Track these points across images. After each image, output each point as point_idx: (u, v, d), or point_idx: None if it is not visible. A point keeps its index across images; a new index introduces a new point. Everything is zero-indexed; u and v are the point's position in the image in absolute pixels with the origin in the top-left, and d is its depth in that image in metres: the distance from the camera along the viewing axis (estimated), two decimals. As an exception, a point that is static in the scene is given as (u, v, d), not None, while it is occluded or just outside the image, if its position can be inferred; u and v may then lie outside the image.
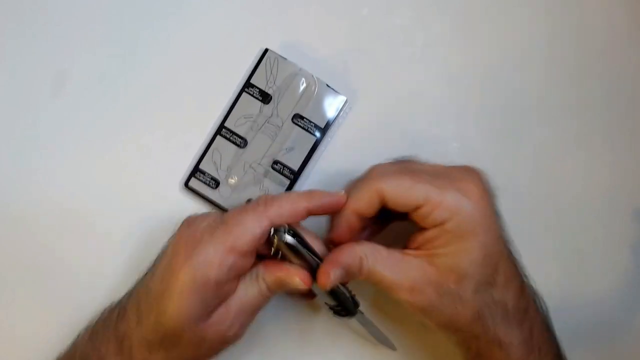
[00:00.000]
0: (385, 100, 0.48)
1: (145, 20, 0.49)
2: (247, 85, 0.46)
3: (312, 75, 0.46)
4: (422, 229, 0.37)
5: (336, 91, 0.46)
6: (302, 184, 0.47)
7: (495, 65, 0.49)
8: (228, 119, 0.46)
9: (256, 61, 0.46)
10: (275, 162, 0.46)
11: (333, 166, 0.47)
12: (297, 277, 0.37)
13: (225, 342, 0.38)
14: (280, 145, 0.46)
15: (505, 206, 0.46)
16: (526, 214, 0.48)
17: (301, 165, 0.46)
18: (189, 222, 0.38)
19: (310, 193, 0.38)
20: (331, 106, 0.46)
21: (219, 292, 0.36)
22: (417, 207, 0.36)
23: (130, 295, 0.39)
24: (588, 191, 0.49)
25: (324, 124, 0.46)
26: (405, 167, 0.38)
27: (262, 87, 0.46)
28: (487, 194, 0.37)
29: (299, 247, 0.37)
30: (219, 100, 0.47)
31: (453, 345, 0.40)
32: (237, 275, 0.37)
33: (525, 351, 0.37)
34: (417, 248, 0.37)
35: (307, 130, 0.46)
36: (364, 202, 0.37)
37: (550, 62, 0.50)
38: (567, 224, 0.48)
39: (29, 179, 0.47)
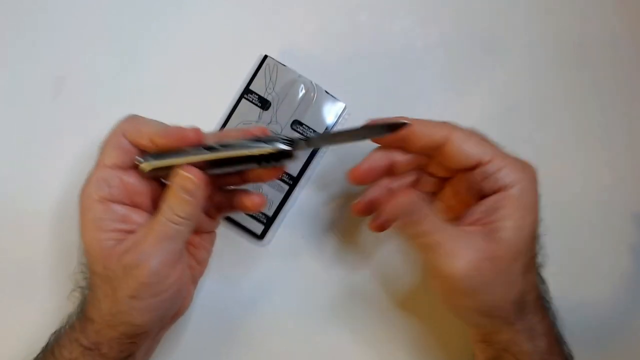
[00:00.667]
0: (384, 106, 0.48)
1: (145, 25, 0.49)
2: (246, 92, 0.46)
3: (311, 82, 0.46)
4: (479, 198, 0.37)
5: (335, 97, 0.46)
6: (301, 191, 0.47)
7: (495, 68, 0.49)
8: (227, 125, 0.46)
9: (255, 67, 0.47)
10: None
11: (332, 172, 0.47)
12: (180, 170, 0.35)
13: (129, 273, 0.34)
14: (279, 152, 0.46)
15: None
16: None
17: (300, 172, 0.46)
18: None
19: (166, 125, 0.37)
20: (330, 112, 0.46)
21: (110, 214, 0.36)
22: (481, 163, 0.36)
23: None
24: (587, 193, 0.49)
25: (323, 130, 0.46)
26: (476, 132, 0.38)
27: (261, 94, 0.46)
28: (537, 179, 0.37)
29: (159, 160, 0.36)
30: (218, 106, 0.47)
31: (476, 342, 0.40)
32: (126, 198, 0.37)
33: (549, 342, 0.37)
34: (474, 223, 0.37)
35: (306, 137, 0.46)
36: (427, 129, 0.37)
37: (550, 64, 0.50)
38: (566, 225, 0.48)
39: (29, 180, 0.47)
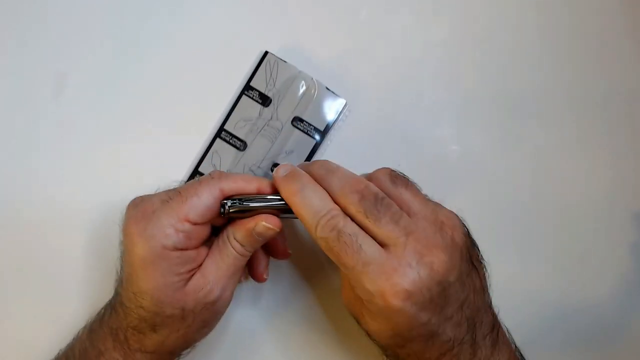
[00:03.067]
0: (385, 103, 0.48)
1: (145, 23, 0.49)
2: (247, 88, 0.46)
3: (312, 78, 0.46)
4: None
5: (336, 94, 0.46)
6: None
7: (495, 67, 0.49)
8: (228, 121, 0.46)
9: (256, 64, 0.46)
10: (275, 165, 0.46)
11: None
12: (262, 221, 0.37)
13: (210, 309, 0.38)
14: (280, 148, 0.46)
15: (505, 208, 0.46)
16: (526, 216, 0.48)
17: (300, 170, 0.46)
18: (135, 203, 0.38)
19: (263, 180, 0.39)
20: (331, 109, 0.46)
21: (183, 259, 0.36)
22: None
23: (115, 292, 0.40)
24: (588, 193, 0.49)
25: (324, 127, 0.46)
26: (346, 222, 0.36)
27: (262, 90, 0.46)
28: (414, 293, 0.34)
29: (245, 205, 0.38)
30: (218, 102, 0.47)
31: None
32: (198, 243, 0.37)
33: None
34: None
35: (306, 133, 0.46)
36: (303, 219, 0.36)
37: (550, 64, 0.50)
38: (566, 226, 0.48)
39: (30, 180, 0.47)
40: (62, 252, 0.46)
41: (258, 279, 0.42)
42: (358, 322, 0.38)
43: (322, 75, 0.46)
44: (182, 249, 0.36)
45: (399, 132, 0.48)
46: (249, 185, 0.38)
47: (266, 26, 0.49)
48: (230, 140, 0.46)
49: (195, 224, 0.36)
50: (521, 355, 0.39)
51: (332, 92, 0.46)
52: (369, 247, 0.34)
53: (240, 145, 0.46)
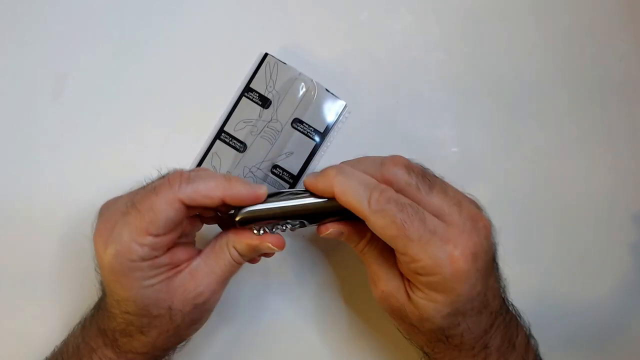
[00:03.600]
0: (385, 104, 0.48)
1: (145, 24, 0.49)
2: (247, 90, 0.46)
3: (312, 80, 0.46)
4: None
5: (335, 96, 0.46)
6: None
7: (495, 68, 0.49)
8: (227, 123, 0.46)
9: (256, 66, 0.46)
10: (275, 167, 0.46)
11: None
12: (268, 242, 0.37)
13: (198, 308, 0.37)
14: (280, 150, 0.46)
15: (505, 210, 0.46)
16: (526, 217, 0.48)
17: (300, 170, 0.46)
18: (102, 211, 0.37)
19: (229, 182, 0.36)
20: (330, 111, 0.46)
21: (155, 265, 0.35)
22: (396, 251, 0.35)
23: (101, 292, 0.39)
24: (588, 194, 0.49)
25: (324, 129, 0.46)
26: (402, 201, 0.35)
27: (262, 92, 0.46)
28: (479, 257, 0.34)
29: (257, 212, 0.37)
30: (218, 104, 0.47)
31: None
32: (167, 248, 0.36)
33: None
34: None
35: (306, 135, 0.46)
36: (347, 204, 0.35)
37: (550, 66, 0.50)
38: (566, 226, 0.48)
39: (30, 181, 0.47)
40: (63, 252, 0.46)
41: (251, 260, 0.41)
42: (398, 315, 0.37)
43: (321, 77, 0.46)
44: (150, 259, 0.35)
45: (398, 134, 0.48)
46: (210, 194, 0.35)
47: (266, 28, 0.49)
48: (230, 142, 0.46)
49: (157, 235, 0.35)
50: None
51: (332, 93, 0.46)
52: (430, 216, 0.34)
53: (240, 146, 0.46)
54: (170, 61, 0.48)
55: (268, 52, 0.46)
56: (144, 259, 0.35)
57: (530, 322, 0.40)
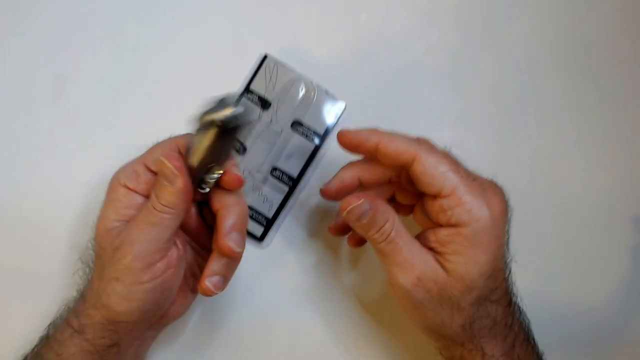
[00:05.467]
0: (384, 106, 0.48)
1: (145, 26, 0.49)
2: (247, 91, 0.46)
3: (312, 82, 0.46)
4: (435, 226, 0.37)
5: (335, 97, 0.46)
6: (301, 191, 0.47)
7: (495, 68, 0.49)
8: (227, 124, 0.46)
9: (255, 67, 0.46)
10: (274, 169, 0.46)
11: (332, 173, 0.47)
12: (161, 158, 0.37)
13: (116, 253, 0.36)
14: (280, 152, 0.46)
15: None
16: (525, 218, 0.48)
17: (300, 172, 0.46)
18: None
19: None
20: (330, 112, 0.46)
21: (128, 198, 0.37)
22: (440, 195, 0.36)
23: None
24: (587, 194, 0.49)
25: (323, 131, 0.46)
26: (448, 155, 0.38)
27: (262, 94, 0.46)
28: (506, 212, 0.37)
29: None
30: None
31: (436, 349, 0.40)
32: (145, 187, 0.38)
33: None
34: (428, 248, 0.37)
35: (306, 137, 0.46)
36: (395, 148, 0.36)
37: (550, 67, 0.50)
38: (566, 228, 0.48)
39: (29, 182, 0.47)
40: (62, 253, 0.46)
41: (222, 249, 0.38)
42: (433, 301, 0.36)
43: (321, 78, 0.46)
44: (130, 188, 0.37)
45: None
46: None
47: (266, 29, 0.48)
48: (230, 144, 0.46)
49: (146, 169, 0.38)
50: None
51: (332, 95, 0.46)
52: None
53: (239, 148, 0.46)
54: (170, 63, 0.48)
55: (268, 54, 0.46)
56: (125, 184, 0.38)
57: (530, 322, 0.41)
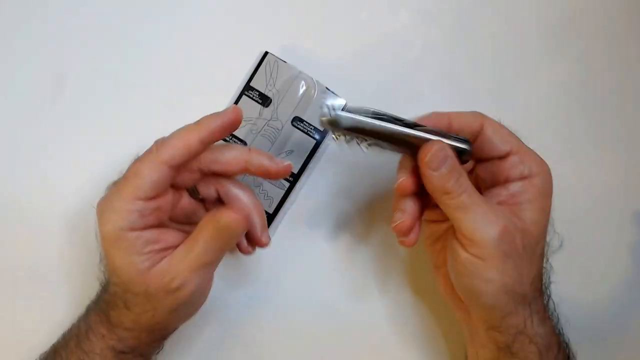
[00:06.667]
0: (385, 103, 0.48)
1: (145, 24, 0.49)
2: (247, 88, 0.46)
3: (312, 78, 0.46)
4: (505, 183, 0.38)
5: (335, 94, 0.46)
6: (302, 187, 0.47)
7: (495, 67, 0.50)
8: (228, 122, 0.46)
9: (256, 64, 0.47)
10: (275, 165, 0.46)
11: (332, 169, 0.47)
12: (225, 213, 0.37)
13: (173, 296, 0.36)
14: (280, 148, 0.46)
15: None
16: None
17: (301, 168, 0.46)
18: (108, 187, 0.40)
19: (198, 122, 0.37)
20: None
21: (142, 239, 0.36)
22: (512, 152, 0.38)
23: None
24: (587, 194, 0.49)
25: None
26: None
27: (262, 90, 0.46)
28: None
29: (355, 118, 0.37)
30: (218, 103, 0.47)
31: (478, 334, 0.39)
32: (156, 219, 0.37)
33: (551, 326, 0.39)
34: (499, 203, 0.38)
35: (306, 133, 0.46)
36: (464, 119, 0.39)
37: (549, 66, 0.50)
38: (566, 226, 0.48)
39: (30, 180, 0.47)
40: (64, 253, 0.46)
41: (257, 243, 0.41)
42: (501, 257, 0.35)
43: (322, 75, 0.46)
44: (139, 229, 0.36)
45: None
46: (187, 141, 0.36)
47: (266, 26, 0.49)
48: (230, 140, 0.46)
49: (147, 199, 0.36)
50: None
51: (332, 92, 0.46)
52: None
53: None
54: (171, 60, 0.48)
55: (268, 51, 0.46)
56: (132, 228, 0.35)
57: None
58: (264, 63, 0.46)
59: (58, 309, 0.45)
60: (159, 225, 0.38)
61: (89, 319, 0.39)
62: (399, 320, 0.47)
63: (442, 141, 0.36)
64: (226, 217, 0.37)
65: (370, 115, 0.36)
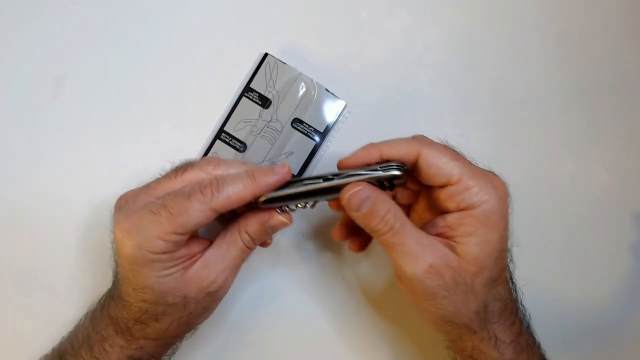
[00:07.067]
0: (385, 104, 0.48)
1: (145, 24, 0.49)
2: (247, 90, 0.46)
3: (312, 80, 0.46)
4: (444, 213, 0.37)
5: (335, 95, 0.46)
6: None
7: (495, 67, 0.49)
8: (228, 123, 0.46)
9: (256, 66, 0.46)
10: (275, 167, 0.46)
11: (332, 170, 0.47)
12: (280, 216, 0.38)
13: (211, 296, 0.38)
14: (280, 150, 0.46)
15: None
16: (526, 216, 0.48)
17: (300, 170, 0.46)
18: (120, 206, 0.38)
19: (253, 176, 0.37)
20: (330, 110, 0.46)
21: (174, 257, 0.36)
22: (449, 183, 0.36)
23: (112, 283, 0.40)
24: (587, 194, 0.49)
25: (324, 129, 0.46)
26: (447, 146, 0.39)
27: (262, 92, 0.46)
28: (508, 195, 0.38)
29: (278, 194, 0.38)
30: (218, 104, 0.47)
31: (447, 348, 0.40)
32: (186, 242, 0.37)
33: (515, 351, 0.38)
34: (436, 234, 0.37)
35: (306, 135, 0.46)
36: (397, 151, 0.37)
37: (551, 65, 0.50)
38: (566, 226, 0.48)
39: (30, 180, 0.47)
40: (64, 253, 0.47)
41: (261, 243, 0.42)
42: (446, 288, 0.36)
43: (322, 77, 0.46)
44: (171, 252, 0.36)
45: (399, 134, 0.48)
46: (242, 196, 0.37)
47: (266, 28, 0.49)
48: (230, 142, 0.46)
49: (184, 234, 0.36)
50: None
51: (332, 93, 0.46)
52: None
53: (240, 146, 0.46)
54: (170, 61, 0.48)
55: (268, 52, 0.46)
56: (165, 252, 0.36)
57: (529, 322, 0.41)
58: (263, 64, 0.46)
59: (59, 310, 0.45)
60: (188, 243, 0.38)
61: (100, 328, 0.39)
62: (399, 321, 0.47)
63: (359, 182, 0.36)
64: (279, 219, 0.38)
65: (294, 184, 0.38)
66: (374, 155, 0.38)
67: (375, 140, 0.47)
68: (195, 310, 0.38)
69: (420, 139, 0.38)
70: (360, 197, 0.36)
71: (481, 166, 0.39)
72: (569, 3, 0.50)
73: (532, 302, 0.46)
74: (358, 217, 0.37)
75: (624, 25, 0.50)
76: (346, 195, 0.36)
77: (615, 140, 0.49)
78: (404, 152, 0.37)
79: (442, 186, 0.37)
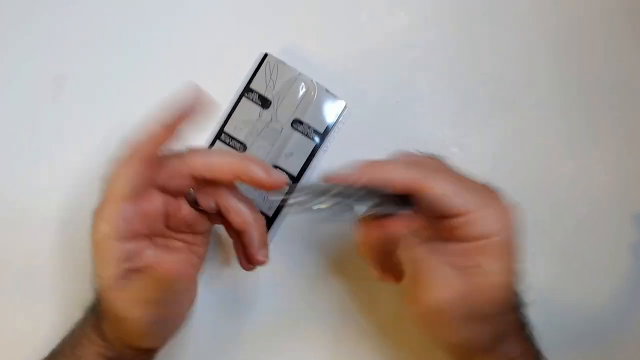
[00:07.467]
0: (385, 105, 0.48)
1: (145, 24, 0.49)
2: (247, 90, 0.46)
3: (312, 80, 0.46)
4: (453, 242, 0.35)
5: (335, 96, 0.46)
6: (302, 189, 0.47)
7: (495, 69, 0.49)
8: (227, 123, 0.46)
9: (256, 66, 0.46)
10: (275, 168, 0.46)
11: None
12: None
13: (124, 322, 0.36)
14: (280, 151, 0.46)
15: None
16: (525, 217, 0.48)
17: (300, 171, 0.46)
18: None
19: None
20: (331, 111, 0.46)
21: (124, 250, 0.35)
22: (457, 215, 0.34)
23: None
24: (587, 194, 0.49)
25: (324, 129, 0.46)
26: (447, 170, 0.37)
27: (262, 92, 0.46)
28: (513, 217, 0.36)
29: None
30: (218, 105, 0.47)
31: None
32: (144, 227, 0.36)
33: None
34: (449, 263, 0.35)
35: (306, 136, 0.46)
36: (398, 184, 0.35)
37: (549, 65, 0.50)
38: (566, 227, 0.48)
39: (31, 181, 0.47)
40: (64, 254, 0.47)
41: (253, 261, 0.40)
42: (465, 317, 0.35)
43: (322, 77, 0.46)
44: (124, 238, 0.35)
45: (399, 134, 0.48)
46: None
47: (266, 28, 0.49)
48: (230, 143, 0.46)
49: (128, 200, 0.35)
50: None
51: (332, 94, 0.46)
52: None
53: (239, 147, 0.46)
54: (170, 61, 0.48)
55: (268, 52, 0.46)
56: (118, 237, 0.35)
57: (529, 322, 0.41)
58: (263, 65, 0.46)
59: (59, 310, 0.45)
60: (150, 234, 0.37)
61: (86, 324, 0.38)
62: (400, 322, 0.47)
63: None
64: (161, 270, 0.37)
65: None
66: (364, 182, 0.35)
67: (375, 140, 0.48)
68: (122, 330, 0.37)
69: (412, 166, 0.36)
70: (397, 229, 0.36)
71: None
72: (569, 3, 0.50)
73: (532, 303, 0.46)
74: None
75: (624, 25, 0.50)
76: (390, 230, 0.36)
77: (615, 140, 0.49)
78: (399, 187, 0.35)
79: (451, 216, 0.35)
